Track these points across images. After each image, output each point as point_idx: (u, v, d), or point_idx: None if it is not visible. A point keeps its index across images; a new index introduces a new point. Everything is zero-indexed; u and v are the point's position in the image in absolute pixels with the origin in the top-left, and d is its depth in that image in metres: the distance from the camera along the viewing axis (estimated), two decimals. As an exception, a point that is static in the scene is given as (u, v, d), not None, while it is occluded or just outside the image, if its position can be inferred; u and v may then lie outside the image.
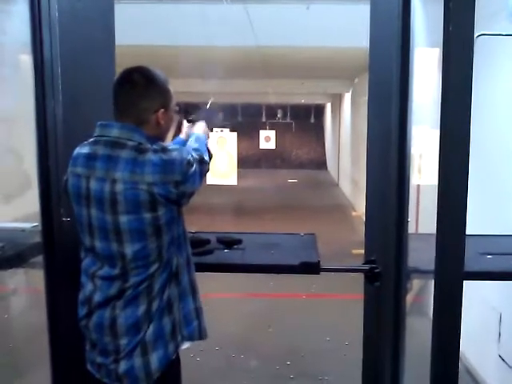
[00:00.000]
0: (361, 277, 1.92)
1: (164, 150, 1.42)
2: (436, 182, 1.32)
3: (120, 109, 1.47)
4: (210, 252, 1.94)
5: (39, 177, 1.75)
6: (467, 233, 1.30)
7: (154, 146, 1.42)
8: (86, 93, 1.92)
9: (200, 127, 1.79)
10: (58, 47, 1.76)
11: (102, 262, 1.46)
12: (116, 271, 1.44)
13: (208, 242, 1.99)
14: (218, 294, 4.82)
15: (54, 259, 1.79)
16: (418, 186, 3.89)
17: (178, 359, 1.56)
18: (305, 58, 7.20)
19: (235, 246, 2.01)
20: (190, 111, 1.88)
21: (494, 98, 3.17)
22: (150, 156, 1.39)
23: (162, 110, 1.48)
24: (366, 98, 1.99)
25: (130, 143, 1.41)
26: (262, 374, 3.63)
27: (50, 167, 1.74)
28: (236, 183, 5.63)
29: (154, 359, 1.46)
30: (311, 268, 1.80)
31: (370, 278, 1.84)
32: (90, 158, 1.44)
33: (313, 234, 2.18)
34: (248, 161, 17.38)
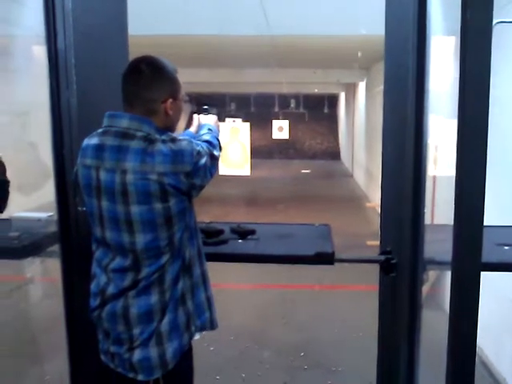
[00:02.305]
0: (374, 268, 1.91)
1: (173, 140, 1.42)
2: (453, 173, 1.30)
3: (128, 99, 1.46)
4: (225, 242, 1.94)
5: (55, 167, 1.77)
6: (484, 224, 1.28)
7: (163, 137, 1.41)
8: (100, 83, 1.92)
9: (212, 119, 1.78)
10: (71, 38, 1.76)
11: (114, 254, 1.47)
12: (128, 262, 1.44)
13: (222, 232, 1.99)
14: (232, 285, 4.84)
15: (70, 248, 1.81)
16: (434, 176, 3.85)
17: (190, 349, 1.58)
18: (318, 47, 7.14)
19: (249, 237, 2.01)
20: (204, 101, 1.88)
21: (512, 86, 3.12)
22: (160, 146, 1.38)
23: (171, 99, 1.47)
24: (381, 87, 1.96)
25: (139, 134, 1.40)
26: (276, 364, 3.65)
27: (65, 157, 1.75)
28: (249, 173, 5.63)
29: (169, 350, 1.47)
30: (326, 258, 1.80)
31: (386, 268, 1.83)
32: (99, 148, 1.43)
33: (327, 225, 2.17)
34: (261, 151, 17.36)
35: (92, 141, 1.47)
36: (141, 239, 1.41)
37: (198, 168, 1.44)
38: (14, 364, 3.41)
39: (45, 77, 1.74)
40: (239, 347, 3.83)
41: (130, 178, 1.37)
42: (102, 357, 1.56)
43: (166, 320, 1.46)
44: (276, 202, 9.97)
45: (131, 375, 1.48)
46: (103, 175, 1.41)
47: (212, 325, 1.59)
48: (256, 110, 16.52)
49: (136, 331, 1.45)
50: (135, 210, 1.38)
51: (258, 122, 15.47)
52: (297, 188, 12.41)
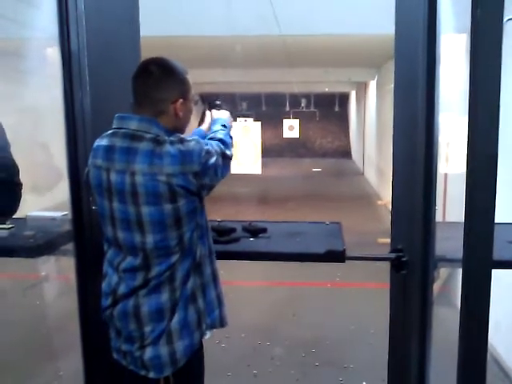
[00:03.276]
0: (385, 266, 1.91)
1: (181, 141, 1.43)
2: (464, 170, 1.30)
3: (137, 100, 1.47)
4: (236, 240, 1.95)
5: (69, 167, 1.79)
6: (496, 221, 1.28)
7: (172, 138, 1.42)
8: (113, 84, 1.94)
9: (224, 114, 1.79)
10: (84, 40, 1.78)
11: (125, 253, 1.48)
12: (138, 261, 1.45)
13: (234, 230, 2.00)
14: (244, 282, 4.86)
15: (83, 247, 1.83)
16: (446, 174, 3.83)
17: (201, 347, 1.59)
18: (328, 46, 7.13)
19: (260, 235, 2.02)
20: (216, 98, 1.87)
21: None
22: (168, 147, 1.39)
23: (181, 100, 1.47)
24: (392, 85, 1.96)
25: (148, 136, 1.41)
26: (288, 361, 3.66)
27: (79, 157, 1.78)
28: (260, 172, 5.65)
29: (180, 348, 1.48)
30: (337, 256, 1.80)
31: (397, 266, 1.83)
32: (109, 150, 1.45)
33: (338, 223, 2.18)
34: (272, 150, 17.35)
35: (103, 142, 1.49)
36: (151, 239, 1.42)
37: (208, 167, 1.44)
38: (28, 360, 3.46)
39: (58, 78, 1.76)
40: (251, 344, 3.85)
41: (139, 179, 1.38)
42: (115, 354, 1.58)
43: (176, 318, 1.47)
44: (287, 201, 9.97)
45: (143, 373, 1.50)
46: (114, 176, 1.42)
47: (222, 322, 1.60)
48: (267, 109, 16.51)
49: (147, 329, 1.47)
50: (145, 210, 1.40)
51: (268, 121, 15.45)
52: (308, 186, 12.40)
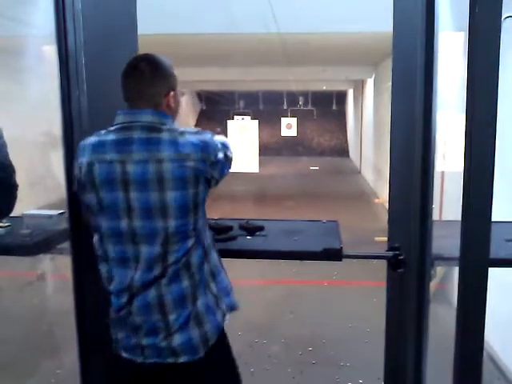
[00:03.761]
0: (382, 264, 1.92)
1: (198, 132, 1.55)
2: (461, 169, 1.30)
3: (132, 97, 1.53)
4: (233, 238, 1.95)
5: (65, 165, 1.79)
6: (492, 219, 1.28)
7: (188, 129, 1.54)
8: (110, 82, 1.93)
9: (222, 138, 1.89)
10: (81, 37, 1.78)
11: (140, 244, 1.49)
12: (157, 249, 1.49)
13: (230, 228, 2.00)
14: (241, 281, 4.84)
15: (80, 245, 1.83)
16: (443, 172, 3.84)
17: (223, 329, 1.65)
18: (326, 44, 7.13)
19: (257, 233, 2.02)
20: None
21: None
22: (190, 137, 1.50)
23: (172, 92, 1.56)
24: (389, 83, 1.96)
25: (165, 127, 1.51)
26: (285, 359, 3.66)
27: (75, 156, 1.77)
28: (257, 170, 5.65)
29: (209, 327, 1.55)
30: (334, 254, 1.80)
31: (394, 264, 1.83)
32: (123, 143, 1.48)
33: (335, 221, 2.18)
34: (269, 148, 17.36)
35: (108, 137, 1.51)
36: (173, 223, 1.48)
37: (217, 161, 1.54)
38: (26, 358, 3.46)
39: (55, 76, 1.76)
40: (248, 342, 3.85)
41: (167, 166, 1.45)
42: (125, 354, 1.57)
43: (200, 302, 1.54)
44: (284, 199, 9.98)
45: (170, 360, 1.53)
46: (132, 167, 1.46)
47: (235, 306, 1.68)
48: (264, 107, 16.54)
49: (172, 317, 1.51)
50: (171, 195, 1.46)
51: (266, 120, 15.47)
52: (305, 185, 12.41)
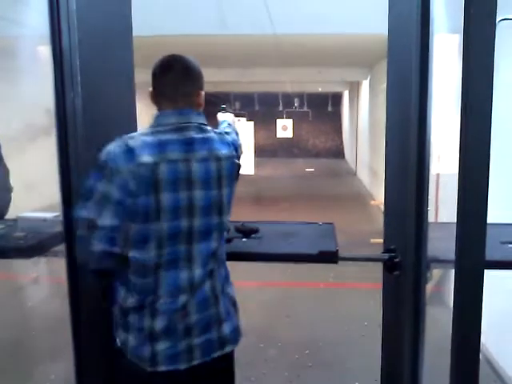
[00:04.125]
0: (379, 266, 1.91)
1: (227, 132, 1.71)
2: (456, 171, 1.30)
3: (169, 96, 1.55)
4: (229, 241, 1.94)
5: (60, 167, 1.77)
6: (488, 221, 1.28)
7: (218, 130, 1.69)
8: (105, 84, 1.93)
9: (229, 116, 2.04)
10: (76, 38, 1.76)
11: (197, 242, 1.51)
12: (213, 244, 1.55)
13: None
14: (236, 283, 4.84)
15: (75, 248, 1.81)
16: (438, 174, 3.85)
17: None
18: (322, 45, 7.14)
19: (253, 235, 2.01)
20: (222, 102, 2.16)
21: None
22: (227, 136, 1.64)
23: (202, 92, 1.61)
24: (384, 85, 1.96)
25: (209, 127, 1.59)
26: (281, 362, 3.65)
27: (70, 158, 1.76)
28: (253, 172, 5.64)
29: (238, 315, 1.68)
30: (329, 257, 1.80)
31: (390, 267, 1.83)
32: (187, 142, 1.50)
33: (331, 223, 2.18)
34: (265, 150, 17.37)
35: (168, 136, 1.49)
36: (225, 218, 1.58)
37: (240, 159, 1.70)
38: (19, 363, 3.44)
39: (50, 77, 1.74)
40: (244, 346, 3.83)
41: (224, 164, 1.55)
42: (165, 367, 1.49)
43: (230, 289, 1.64)
44: (280, 201, 9.98)
45: (216, 354, 1.57)
46: (195, 166, 1.50)
47: None
48: (260, 109, 16.51)
49: (221, 307, 1.58)
50: (226, 192, 1.56)
51: (262, 121, 15.47)
52: (301, 186, 12.41)
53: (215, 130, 1.63)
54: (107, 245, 1.43)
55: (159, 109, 1.56)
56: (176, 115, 1.53)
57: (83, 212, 1.45)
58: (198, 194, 1.50)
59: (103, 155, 1.46)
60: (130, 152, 1.43)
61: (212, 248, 1.55)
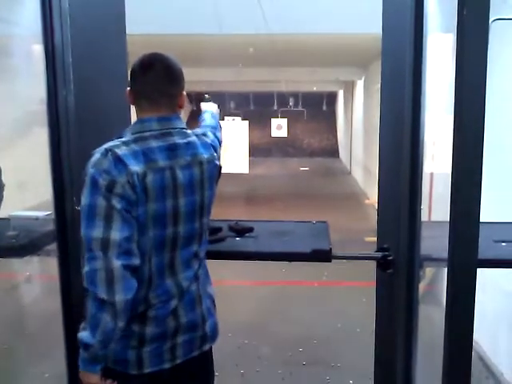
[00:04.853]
0: (373, 264, 1.92)
1: (204, 134, 1.67)
2: (449, 170, 1.30)
3: (151, 97, 1.48)
4: (222, 240, 1.94)
5: (52, 166, 1.77)
6: (481, 220, 1.28)
7: (195, 131, 1.64)
8: (98, 82, 1.92)
9: (212, 106, 2.04)
10: (68, 36, 1.76)
11: (182, 247, 1.50)
12: (194, 248, 1.54)
13: (220, 229, 1.99)
14: (230, 282, 4.84)
15: (67, 246, 1.81)
16: (432, 173, 3.86)
17: None
18: (317, 45, 7.14)
19: (247, 234, 2.01)
20: (206, 93, 2.17)
21: (510, 84, 3.12)
22: (206, 139, 1.62)
23: (184, 92, 1.56)
24: (379, 85, 1.97)
25: (189, 131, 1.56)
26: (274, 360, 3.66)
27: (62, 156, 1.75)
28: (247, 171, 5.64)
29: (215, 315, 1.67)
30: (323, 255, 1.80)
31: (383, 265, 1.84)
32: (170, 148, 1.46)
33: (325, 222, 2.18)
34: (259, 149, 17.35)
35: (153, 143, 1.43)
36: (205, 221, 1.57)
37: (219, 155, 1.70)
38: (13, 361, 3.42)
39: (42, 75, 1.74)
40: (237, 343, 3.84)
41: (205, 167, 1.53)
42: (149, 368, 1.47)
43: (210, 288, 1.64)
44: (274, 200, 9.98)
45: (196, 353, 1.56)
46: (180, 172, 1.46)
47: None
48: (255, 108, 16.52)
49: (204, 306, 1.58)
50: (207, 194, 1.55)
51: (256, 121, 15.45)
52: (295, 186, 12.42)
53: (195, 133, 1.59)
54: (125, 259, 1.33)
55: (139, 110, 1.49)
56: (158, 121, 1.47)
57: (92, 231, 1.33)
58: (182, 201, 1.47)
59: (92, 169, 1.36)
60: (119, 161, 1.36)
61: (193, 251, 1.54)
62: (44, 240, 1.93)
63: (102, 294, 1.31)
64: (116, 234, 1.32)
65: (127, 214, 1.35)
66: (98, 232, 1.32)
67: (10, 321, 3.93)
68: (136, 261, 1.36)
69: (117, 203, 1.33)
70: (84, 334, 1.35)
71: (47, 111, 1.74)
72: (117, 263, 1.31)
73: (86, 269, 1.33)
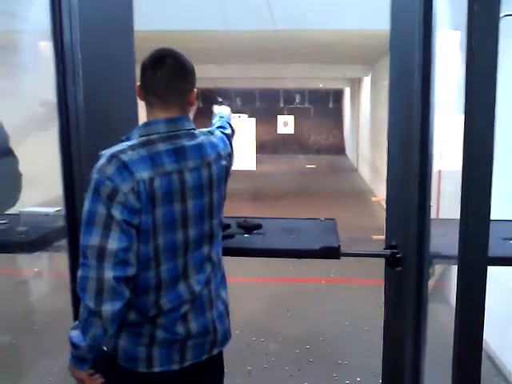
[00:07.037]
0: (380, 262, 1.92)
1: (209, 131, 1.64)
2: (458, 168, 1.30)
3: (162, 94, 1.45)
4: (231, 236, 1.95)
5: (62, 162, 1.77)
6: (491, 218, 1.28)
7: (202, 130, 1.61)
8: (107, 78, 1.93)
9: (225, 109, 2.04)
10: (77, 33, 1.76)
11: (193, 250, 1.47)
12: (206, 250, 1.51)
13: (228, 226, 2.00)
14: (238, 279, 4.85)
15: (77, 243, 1.81)
16: (439, 171, 3.84)
17: None
18: (323, 42, 7.12)
19: (255, 231, 2.01)
20: (218, 95, 2.15)
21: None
22: (214, 136, 1.60)
23: (195, 89, 1.52)
24: (386, 82, 1.96)
25: (197, 132, 1.53)
26: (282, 357, 3.67)
27: (72, 152, 1.76)
28: (254, 168, 5.63)
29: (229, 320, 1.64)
30: (332, 252, 1.80)
31: (392, 263, 1.83)
32: (178, 152, 1.43)
33: (333, 219, 2.18)
34: (266, 146, 17.34)
35: (159, 147, 1.41)
36: (215, 222, 1.53)
37: (232, 151, 1.71)
38: (22, 356, 3.45)
39: (51, 72, 1.74)
40: (245, 341, 3.85)
41: (213, 168, 1.50)
42: (159, 368, 1.47)
43: (224, 293, 1.61)
44: (281, 197, 9.97)
45: (205, 356, 1.54)
46: (188, 175, 1.43)
47: None
48: (261, 105, 16.50)
49: (215, 311, 1.55)
50: (216, 196, 1.52)
51: (263, 117, 15.40)
52: (302, 183, 12.40)
53: (202, 131, 1.56)
54: (119, 270, 1.32)
55: (148, 107, 1.47)
56: (166, 123, 1.44)
57: (89, 239, 1.33)
58: (191, 204, 1.44)
59: (96, 175, 1.34)
60: (125, 168, 1.33)
61: (205, 253, 1.51)
62: (53, 236, 1.95)
63: (90, 303, 1.31)
64: (113, 244, 1.31)
65: (126, 225, 1.32)
66: (94, 240, 1.31)
67: (19, 316, 3.96)
68: (131, 271, 1.35)
69: (117, 212, 1.31)
70: (75, 334, 1.37)
71: (57, 108, 1.74)
72: (109, 274, 1.30)
73: (79, 274, 1.34)
